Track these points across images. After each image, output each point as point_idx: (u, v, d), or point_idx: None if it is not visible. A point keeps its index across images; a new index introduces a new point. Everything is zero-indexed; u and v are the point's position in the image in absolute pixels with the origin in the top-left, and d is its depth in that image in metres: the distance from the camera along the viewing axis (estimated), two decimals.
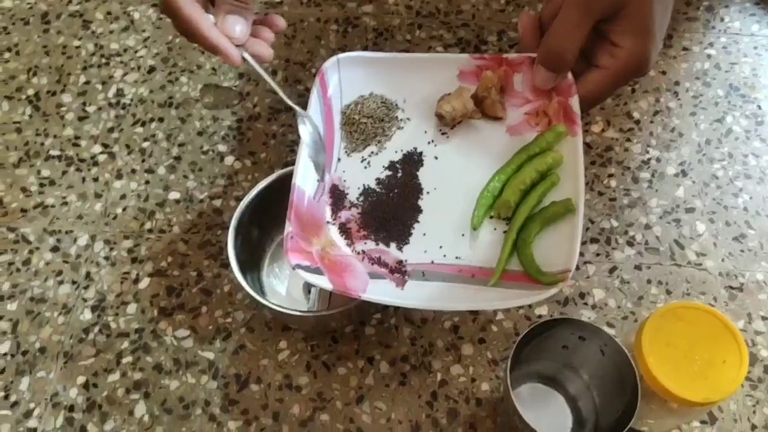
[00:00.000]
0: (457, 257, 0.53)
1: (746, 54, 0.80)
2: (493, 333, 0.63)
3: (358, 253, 0.54)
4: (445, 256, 0.53)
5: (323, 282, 0.51)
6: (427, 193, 0.56)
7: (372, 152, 0.58)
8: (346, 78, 0.59)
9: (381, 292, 0.51)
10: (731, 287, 0.66)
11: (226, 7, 0.51)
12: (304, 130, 0.56)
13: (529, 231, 0.51)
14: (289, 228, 0.52)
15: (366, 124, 0.58)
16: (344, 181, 0.57)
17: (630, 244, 0.68)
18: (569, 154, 0.54)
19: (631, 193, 0.71)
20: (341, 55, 0.59)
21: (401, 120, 0.59)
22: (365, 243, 0.54)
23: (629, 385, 0.50)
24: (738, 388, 0.51)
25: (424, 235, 0.54)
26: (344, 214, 0.55)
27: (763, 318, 0.64)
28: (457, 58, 0.59)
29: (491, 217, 0.54)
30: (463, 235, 0.54)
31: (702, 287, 0.66)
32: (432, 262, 0.53)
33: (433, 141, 0.58)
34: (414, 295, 0.51)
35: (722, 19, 0.83)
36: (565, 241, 0.50)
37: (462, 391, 0.60)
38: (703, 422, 0.59)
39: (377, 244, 0.54)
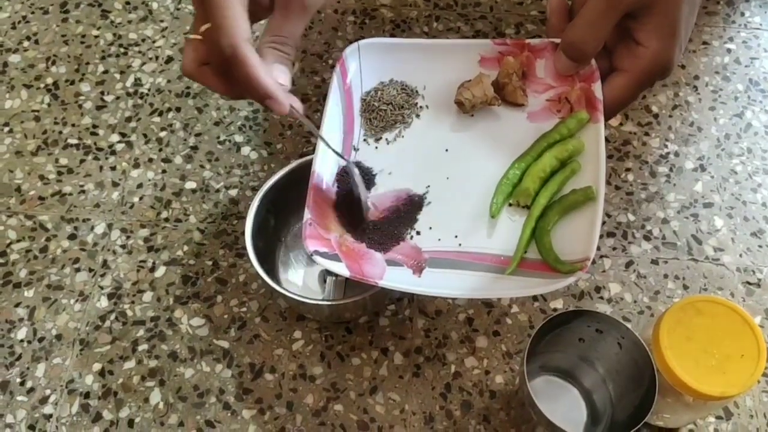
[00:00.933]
0: (475, 245, 0.52)
1: (766, 49, 0.79)
2: (508, 326, 0.63)
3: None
4: (462, 244, 0.53)
5: (341, 269, 0.51)
6: (446, 179, 0.55)
7: (388, 140, 0.58)
8: (366, 64, 0.59)
9: (398, 279, 0.51)
10: (749, 283, 0.65)
11: (273, 56, 0.51)
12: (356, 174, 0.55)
13: (548, 219, 0.51)
14: (308, 215, 0.53)
15: (386, 110, 0.58)
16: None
17: (647, 238, 0.67)
18: (591, 141, 0.53)
19: (648, 187, 0.70)
20: (362, 42, 0.59)
21: (420, 107, 0.59)
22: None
23: (646, 378, 0.49)
24: (756, 383, 0.51)
25: (442, 223, 0.54)
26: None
27: None
28: (479, 43, 0.58)
29: (510, 205, 0.53)
30: (481, 223, 0.53)
31: (719, 282, 0.65)
32: (450, 250, 0.52)
33: (452, 128, 0.57)
34: (431, 283, 0.51)
35: (742, 14, 0.82)
36: (584, 229, 0.50)
37: (476, 384, 0.60)
38: (718, 417, 0.59)
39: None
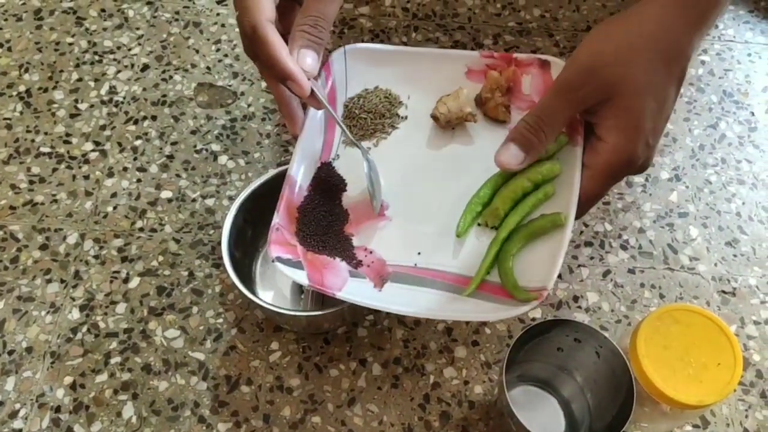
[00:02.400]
0: (438, 263, 0.51)
1: (740, 61, 0.81)
2: (487, 336, 0.63)
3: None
4: (427, 260, 0.52)
5: (301, 277, 0.50)
6: (418, 192, 0.55)
7: (367, 148, 0.57)
8: (352, 69, 0.58)
9: (358, 292, 0.50)
10: (724, 292, 0.66)
11: (302, 41, 0.50)
12: (366, 165, 0.54)
13: (513, 243, 0.50)
14: (276, 219, 0.52)
15: (366, 119, 0.57)
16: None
17: (624, 247, 0.68)
18: (568, 164, 0.51)
19: (625, 197, 0.71)
20: (348, 47, 0.58)
21: (401, 118, 0.58)
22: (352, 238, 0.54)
23: (624, 387, 0.49)
24: (732, 392, 0.51)
25: (408, 238, 0.53)
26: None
27: (756, 322, 0.64)
28: (466, 55, 0.58)
29: (479, 225, 0.52)
30: (448, 240, 0.52)
31: (695, 291, 0.66)
32: (414, 266, 0.52)
33: (429, 141, 0.57)
34: (390, 299, 0.50)
35: (716, 26, 0.84)
36: (547, 256, 0.48)
37: (455, 394, 0.60)
38: (695, 426, 0.59)
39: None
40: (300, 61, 0.50)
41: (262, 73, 0.53)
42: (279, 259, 0.50)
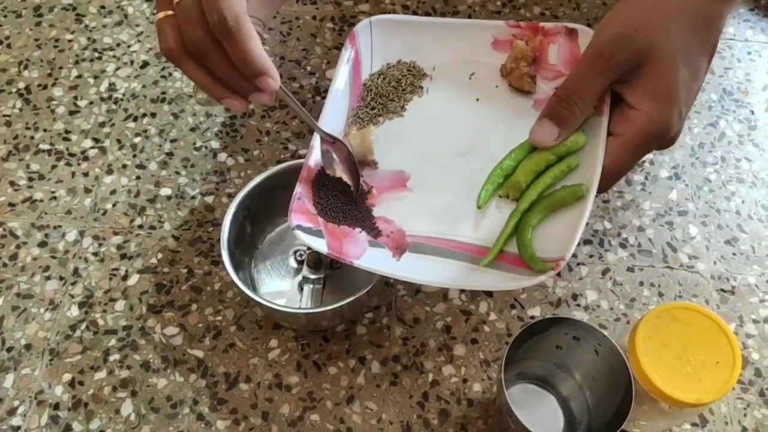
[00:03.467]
0: (458, 234, 0.51)
1: (740, 59, 0.80)
2: (486, 333, 0.63)
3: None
4: (447, 231, 0.51)
5: (320, 245, 0.50)
6: (441, 163, 0.54)
7: (387, 120, 0.57)
8: (377, 40, 0.58)
9: (376, 261, 0.50)
10: (723, 290, 0.66)
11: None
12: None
13: (533, 214, 0.49)
14: (298, 189, 0.52)
15: (387, 95, 0.56)
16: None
17: (623, 246, 0.68)
18: (592, 135, 0.50)
19: (624, 195, 0.71)
20: (374, 18, 0.57)
21: (425, 90, 0.57)
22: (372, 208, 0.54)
23: (623, 385, 0.49)
24: (731, 390, 0.51)
25: (429, 208, 0.53)
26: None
27: (755, 321, 0.64)
28: (493, 25, 0.57)
29: (500, 197, 0.52)
30: (468, 211, 0.52)
31: (694, 290, 0.65)
32: (433, 236, 0.51)
33: (453, 113, 0.56)
34: (408, 268, 0.50)
35: None
36: (567, 228, 0.48)
37: (454, 392, 0.60)
38: (694, 425, 0.59)
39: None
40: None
41: (196, 74, 0.45)
42: (299, 227, 0.50)
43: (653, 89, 0.45)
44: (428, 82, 0.58)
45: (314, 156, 0.54)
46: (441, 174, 0.54)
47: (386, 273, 0.50)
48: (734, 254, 0.68)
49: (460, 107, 0.56)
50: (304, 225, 0.51)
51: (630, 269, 0.66)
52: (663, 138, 0.46)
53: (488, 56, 0.56)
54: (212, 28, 0.43)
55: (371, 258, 0.50)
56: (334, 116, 0.56)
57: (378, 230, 0.52)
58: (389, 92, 0.57)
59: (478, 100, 0.56)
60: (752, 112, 0.77)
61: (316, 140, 0.54)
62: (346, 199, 0.53)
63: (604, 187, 0.48)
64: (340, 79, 0.56)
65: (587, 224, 0.69)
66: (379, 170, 0.55)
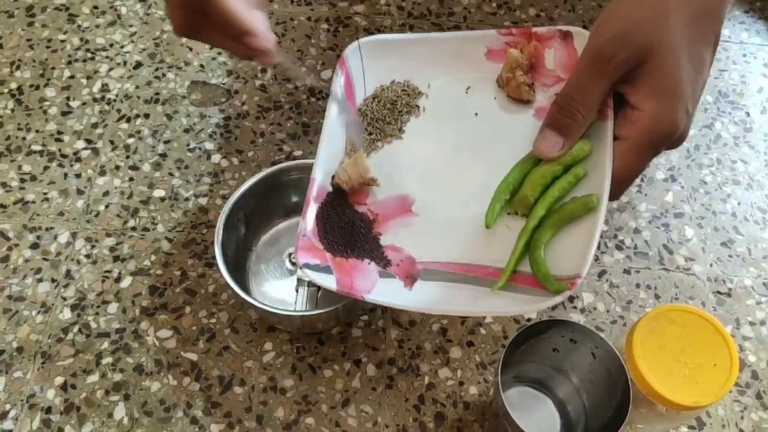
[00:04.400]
0: (470, 257, 0.49)
1: (735, 61, 0.81)
2: (482, 336, 0.62)
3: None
4: (458, 255, 0.50)
5: (330, 281, 0.48)
6: (446, 184, 0.53)
7: (387, 144, 0.55)
8: (368, 63, 0.56)
9: (387, 292, 0.48)
10: (719, 292, 0.65)
11: (251, 2, 0.48)
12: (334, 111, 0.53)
13: (543, 231, 0.47)
14: (302, 225, 0.50)
15: (383, 119, 0.56)
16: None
17: (619, 248, 0.67)
18: (599, 142, 0.47)
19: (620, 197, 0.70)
20: (362, 40, 0.56)
21: (421, 108, 0.56)
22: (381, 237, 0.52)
23: (620, 388, 0.49)
24: (728, 393, 0.51)
25: (438, 232, 0.51)
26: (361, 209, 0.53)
27: (751, 323, 0.64)
28: (484, 35, 0.55)
29: (509, 214, 0.50)
30: (478, 232, 0.50)
31: (690, 292, 0.65)
32: (444, 261, 0.50)
33: (453, 130, 0.55)
34: (419, 297, 0.48)
35: None
36: (581, 242, 0.45)
37: (450, 395, 0.59)
38: (691, 427, 0.59)
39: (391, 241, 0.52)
40: (253, 17, 0.47)
41: (212, 41, 0.49)
42: (307, 266, 0.49)
43: (657, 87, 0.43)
44: (424, 101, 0.56)
45: (315, 190, 0.52)
46: (446, 195, 0.52)
47: (399, 305, 0.48)
48: (730, 256, 0.67)
49: (460, 123, 0.55)
50: (311, 263, 0.49)
51: (626, 271, 0.66)
52: (671, 137, 0.44)
53: (483, 68, 0.54)
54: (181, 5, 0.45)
55: (382, 290, 0.49)
56: (333, 145, 0.54)
57: (387, 260, 0.51)
58: (385, 115, 0.55)
59: (476, 114, 0.55)
60: (748, 114, 0.77)
61: (317, 172, 0.52)
62: (352, 231, 0.52)
63: (615, 194, 0.46)
64: (334, 107, 0.55)
65: None
66: (383, 197, 0.53)
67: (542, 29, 0.53)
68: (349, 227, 0.52)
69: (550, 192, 0.48)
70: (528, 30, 0.54)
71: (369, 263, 0.51)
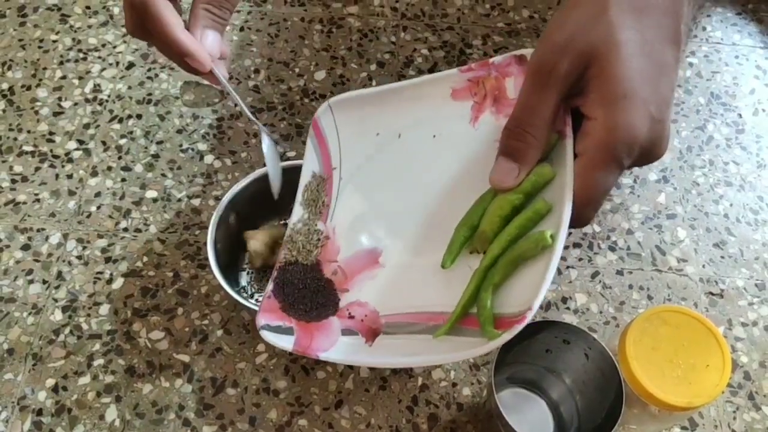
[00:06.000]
0: (431, 303, 0.47)
1: (727, 63, 0.81)
2: None
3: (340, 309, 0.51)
4: (420, 303, 0.47)
5: (285, 342, 0.48)
6: (413, 230, 0.51)
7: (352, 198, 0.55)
8: (340, 120, 0.56)
9: (345, 350, 0.48)
10: (712, 293, 0.66)
11: (206, 21, 0.48)
12: (266, 143, 0.55)
13: (495, 272, 0.44)
14: (270, 286, 0.51)
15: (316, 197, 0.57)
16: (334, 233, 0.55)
17: (612, 249, 0.68)
18: (558, 163, 0.43)
19: (613, 198, 0.71)
20: (332, 100, 0.56)
21: (390, 157, 0.55)
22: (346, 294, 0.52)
23: (613, 389, 0.49)
24: (721, 393, 0.51)
25: (402, 282, 0.50)
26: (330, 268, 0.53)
27: (743, 324, 0.64)
28: (446, 75, 0.53)
29: (471, 253, 0.46)
30: (440, 275, 0.47)
31: (683, 293, 0.66)
32: (405, 312, 0.48)
33: (421, 174, 0.53)
34: (377, 352, 0.47)
35: (704, 29, 0.84)
36: (535, 277, 0.41)
37: (443, 396, 0.59)
38: (683, 428, 0.59)
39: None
40: (205, 42, 0.48)
41: (159, 51, 0.50)
42: (266, 327, 0.49)
43: (605, 91, 0.39)
44: (394, 150, 0.54)
45: (283, 253, 0.53)
46: (412, 242, 0.51)
47: (351, 362, 0.48)
48: (723, 257, 0.68)
49: (427, 167, 0.53)
50: (272, 324, 0.49)
51: (619, 272, 0.66)
52: (632, 144, 0.38)
53: (450, 109, 0.52)
54: (131, 9, 0.46)
55: (341, 348, 0.48)
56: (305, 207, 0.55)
57: (350, 315, 0.50)
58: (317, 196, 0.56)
59: (442, 155, 0.52)
60: (740, 116, 0.77)
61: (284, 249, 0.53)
62: (314, 289, 0.52)
63: (580, 217, 0.41)
64: (307, 168, 0.55)
65: (575, 231, 0.68)
66: (352, 253, 0.53)
67: (498, 58, 0.50)
68: (311, 286, 0.52)
69: (507, 230, 0.44)
70: (485, 62, 0.51)
71: (332, 320, 0.50)
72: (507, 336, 0.40)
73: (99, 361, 0.60)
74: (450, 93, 0.53)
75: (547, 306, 0.64)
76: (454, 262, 0.47)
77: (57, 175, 0.69)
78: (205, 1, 0.48)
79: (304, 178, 0.56)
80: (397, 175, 0.54)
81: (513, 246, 0.44)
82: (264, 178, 0.60)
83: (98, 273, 0.64)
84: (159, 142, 0.72)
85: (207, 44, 0.48)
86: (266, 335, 0.48)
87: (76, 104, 0.74)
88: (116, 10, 0.81)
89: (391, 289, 0.50)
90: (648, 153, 0.40)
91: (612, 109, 0.38)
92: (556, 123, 0.43)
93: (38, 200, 0.68)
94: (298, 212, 0.56)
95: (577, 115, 0.42)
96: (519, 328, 0.40)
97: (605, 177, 0.40)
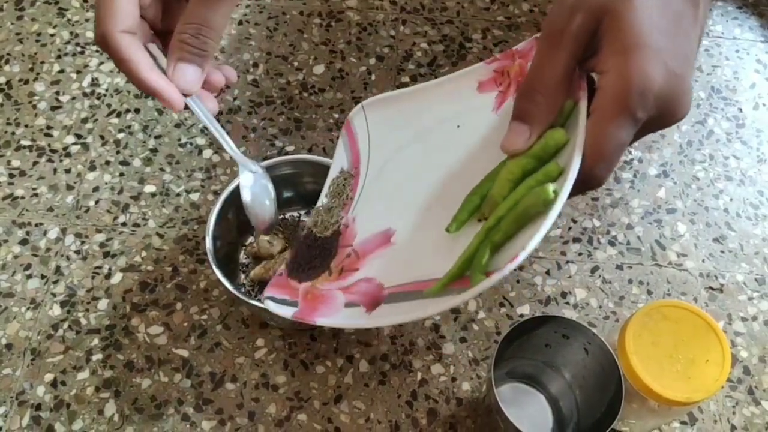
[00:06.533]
0: (433, 271, 0.45)
1: (728, 57, 0.81)
2: (475, 332, 0.62)
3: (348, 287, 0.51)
4: (424, 273, 0.46)
5: (286, 311, 0.49)
6: (426, 212, 0.51)
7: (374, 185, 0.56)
8: (372, 121, 0.57)
9: (344, 316, 0.48)
10: (711, 288, 0.66)
11: (180, 53, 0.45)
12: (246, 182, 0.54)
13: (496, 231, 0.41)
14: (283, 269, 0.52)
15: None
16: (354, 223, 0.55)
17: (612, 243, 0.67)
18: (572, 127, 0.41)
19: (613, 193, 0.70)
20: (365, 102, 0.56)
21: (419, 150, 0.55)
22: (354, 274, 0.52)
23: (612, 384, 0.49)
24: (720, 388, 0.51)
25: (411, 255, 0.49)
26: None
27: (743, 319, 0.64)
28: (474, 69, 0.53)
29: (479, 221, 0.44)
30: (446, 246, 0.46)
31: (682, 288, 0.65)
32: (409, 281, 0.47)
33: (443, 160, 0.52)
34: (373, 318, 0.46)
35: None
36: (531, 231, 0.39)
37: (442, 391, 0.59)
38: (683, 423, 0.59)
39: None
40: (177, 78, 0.45)
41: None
42: (272, 299, 0.50)
43: (618, 42, 0.37)
44: (420, 146, 0.54)
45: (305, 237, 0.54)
46: (424, 217, 0.50)
47: (346, 325, 0.49)
48: (722, 252, 0.68)
49: (447, 153, 0.52)
50: (278, 297, 0.50)
51: (619, 267, 0.66)
52: (645, 95, 0.36)
53: (476, 100, 0.51)
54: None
55: (338, 316, 0.48)
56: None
57: (355, 290, 0.50)
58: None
59: (463, 141, 0.51)
60: (740, 110, 0.77)
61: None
62: (321, 252, 0.54)
63: (591, 177, 0.38)
64: (337, 166, 0.56)
65: (575, 222, 0.68)
66: (368, 235, 0.53)
67: (521, 45, 0.50)
68: (318, 249, 0.54)
69: (515, 192, 0.42)
70: (510, 51, 0.50)
71: (338, 295, 0.50)
72: (491, 281, 0.38)
73: (98, 356, 0.60)
74: (477, 86, 0.52)
75: (546, 300, 0.64)
76: (460, 229, 0.46)
77: (55, 170, 0.69)
78: (179, 31, 0.44)
79: (332, 173, 0.57)
80: (420, 166, 0.54)
81: (516, 204, 0.41)
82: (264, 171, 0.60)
83: (97, 268, 0.64)
84: (157, 137, 0.72)
85: (180, 80, 0.45)
86: (269, 304, 0.50)
87: (73, 98, 0.74)
88: None
89: (397, 262, 0.49)
90: (666, 110, 0.37)
91: (624, 59, 0.37)
92: (572, 89, 0.41)
93: (36, 195, 0.68)
94: (322, 201, 0.57)
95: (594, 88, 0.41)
96: (504, 272, 0.38)
97: (617, 131, 0.37)
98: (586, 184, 0.39)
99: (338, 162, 0.57)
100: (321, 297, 0.51)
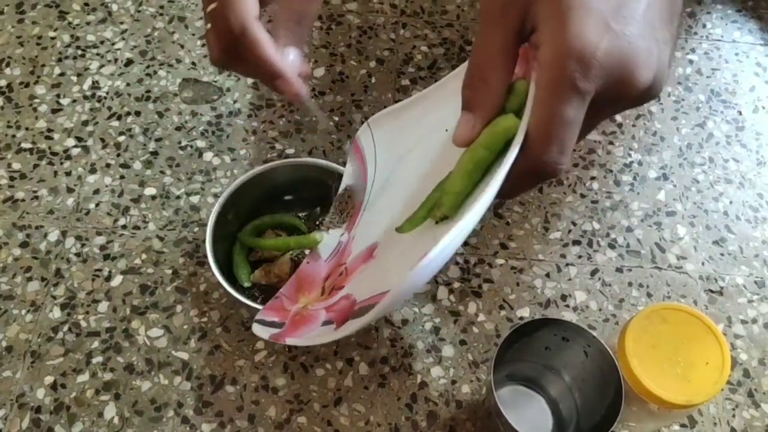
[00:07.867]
0: (395, 280, 0.42)
1: (727, 60, 0.81)
2: (474, 335, 0.62)
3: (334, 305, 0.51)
4: (388, 281, 0.45)
5: (265, 333, 0.50)
6: (400, 215, 0.50)
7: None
8: (378, 137, 0.56)
9: (312, 335, 0.48)
10: (711, 291, 0.66)
11: (286, 39, 0.47)
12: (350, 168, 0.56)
13: (455, 179, 0.39)
14: (283, 290, 0.53)
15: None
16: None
17: (612, 246, 0.67)
18: (525, 111, 0.36)
19: (613, 195, 0.71)
20: (370, 119, 0.56)
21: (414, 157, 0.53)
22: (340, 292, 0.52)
23: (612, 386, 0.49)
24: (720, 391, 0.51)
25: (381, 266, 0.49)
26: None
27: (743, 321, 0.64)
28: (462, 67, 0.52)
29: (437, 223, 0.43)
30: (409, 253, 0.44)
31: (682, 290, 0.65)
32: (377, 294, 0.46)
33: (428, 164, 0.51)
34: (339, 333, 0.46)
35: (704, 26, 0.84)
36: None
37: (442, 394, 0.59)
38: (683, 425, 0.59)
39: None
40: (285, 60, 0.47)
41: (246, 74, 0.50)
42: (260, 321, 0.51)
43: (550, 6, 0.33)
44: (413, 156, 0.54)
45: (311, 260, 0.56)
46: (398, 223, 0.50)
47: (311, 343, 0.50)
48: (722, 255, 0.68)
49: (434, 159, 0.51)
50: (267, 319, 0.51)
51: (619, 270, 0.66)
52: (584, 59, 0.32)
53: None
54: (223, 36, 0.44)
55: (306, 335, 0.48)
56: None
57: (335, 309, 0.50)
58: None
59: (450, 145, 0.45)
60: (740, 113, 0.77)
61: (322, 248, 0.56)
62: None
63: (543, 162, 0.34)
64: (344, 183, 0.57)
65: (575, 224, 0.68)
66: (358, 252, 0.53)
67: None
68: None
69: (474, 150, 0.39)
70: (525, 49, 0.48)
71: (320, 314, 0.50)
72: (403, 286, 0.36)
73: (98, 359, 0.60)
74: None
75: (546, 303, 0.64)
76: (414, 229, 0.44)
77: (55, 173, 0.69)
78: (286, 18, 0.47)
79: (341, 188, 0.57)
80: (413, 175, 0.53)
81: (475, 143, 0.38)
82: (262, 175, 0.60)
83: (97, 270, 0.64)
84: (158, 140, 0.72)
85: (288, 64, 0.47)
86: (255, 327, 0.51)
87: (74, 101, 0.74)
88: (114, 7, 0.81)
89: (373, 276, 0.49)
90: (618, 77, 0.33)
91: (557, 24, 0.33)
92: (527, 69, 0.38)
93: (37, 197, 0.68)
94: (332, 212, 0.58)
95: None
96: (418, 269, 0.36)
97: (561, 106, 0.33)
98: (539, 171, 0.35)
99: (346, 179, 0.57)
100: (307, 317, 0.51)
